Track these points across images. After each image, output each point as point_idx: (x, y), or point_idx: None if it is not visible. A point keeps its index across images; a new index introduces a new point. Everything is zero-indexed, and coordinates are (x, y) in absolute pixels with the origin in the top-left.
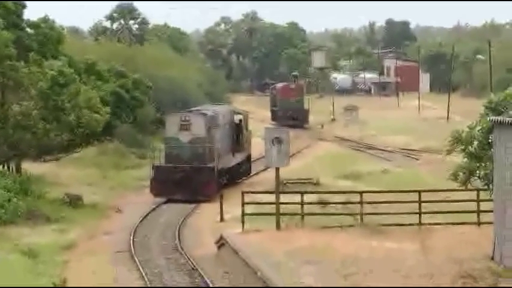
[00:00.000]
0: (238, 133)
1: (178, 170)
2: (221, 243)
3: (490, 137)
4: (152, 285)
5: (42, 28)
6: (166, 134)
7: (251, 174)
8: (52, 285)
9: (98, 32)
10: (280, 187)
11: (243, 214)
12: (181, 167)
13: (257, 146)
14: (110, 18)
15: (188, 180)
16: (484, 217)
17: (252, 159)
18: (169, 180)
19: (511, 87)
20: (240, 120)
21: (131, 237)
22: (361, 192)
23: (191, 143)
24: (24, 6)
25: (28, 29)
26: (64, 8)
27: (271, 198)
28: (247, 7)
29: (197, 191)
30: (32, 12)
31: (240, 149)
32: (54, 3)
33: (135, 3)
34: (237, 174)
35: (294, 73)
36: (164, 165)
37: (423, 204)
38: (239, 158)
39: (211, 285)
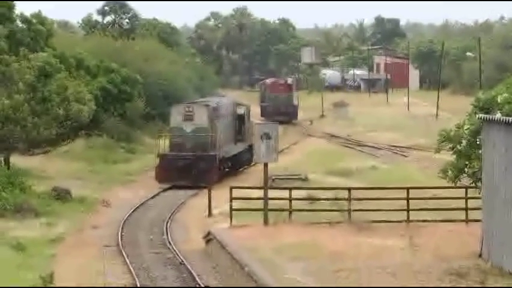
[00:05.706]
0: (240, 124)
1: (182, 158)
2: (209, 238)
3: (478, 137)
4: (140, 279)
5: (34, 23)
6: (171, 124)
7: (253, 163)
8: (39, 279)
9: (90, 25)
10: (268, 183)
11: (231, 209)
12: (184, 155)
13: None
14: (102, 12)
15: (191, 168)
16: (472, 215)
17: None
18: (173, 168)
19: (498, 87)
20: (243, 112)
21: (119, 232)
22: (349, 189)
23: (194, 133)
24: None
25: (19, 23)
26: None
27: (260, 193)
28: (237, 3)
29: (199, 178)
30: (23, 5)
31: (242, 139)
32: None
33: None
34: (239, 163)
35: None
36: (169, 154)
37: (411, 201)
38: (241, 147)
39: (198, 280)
